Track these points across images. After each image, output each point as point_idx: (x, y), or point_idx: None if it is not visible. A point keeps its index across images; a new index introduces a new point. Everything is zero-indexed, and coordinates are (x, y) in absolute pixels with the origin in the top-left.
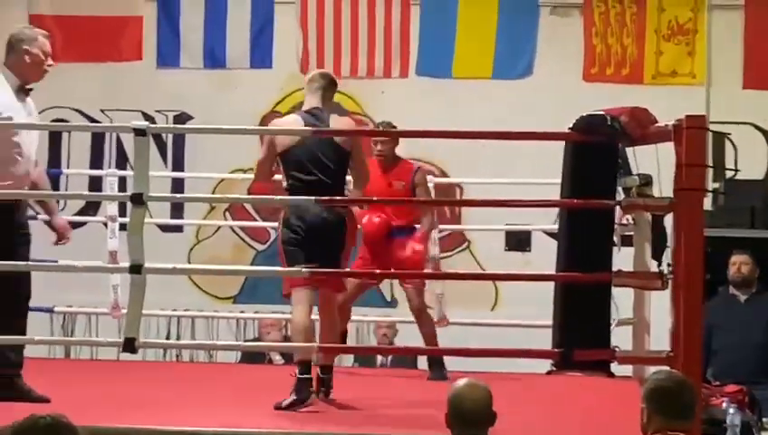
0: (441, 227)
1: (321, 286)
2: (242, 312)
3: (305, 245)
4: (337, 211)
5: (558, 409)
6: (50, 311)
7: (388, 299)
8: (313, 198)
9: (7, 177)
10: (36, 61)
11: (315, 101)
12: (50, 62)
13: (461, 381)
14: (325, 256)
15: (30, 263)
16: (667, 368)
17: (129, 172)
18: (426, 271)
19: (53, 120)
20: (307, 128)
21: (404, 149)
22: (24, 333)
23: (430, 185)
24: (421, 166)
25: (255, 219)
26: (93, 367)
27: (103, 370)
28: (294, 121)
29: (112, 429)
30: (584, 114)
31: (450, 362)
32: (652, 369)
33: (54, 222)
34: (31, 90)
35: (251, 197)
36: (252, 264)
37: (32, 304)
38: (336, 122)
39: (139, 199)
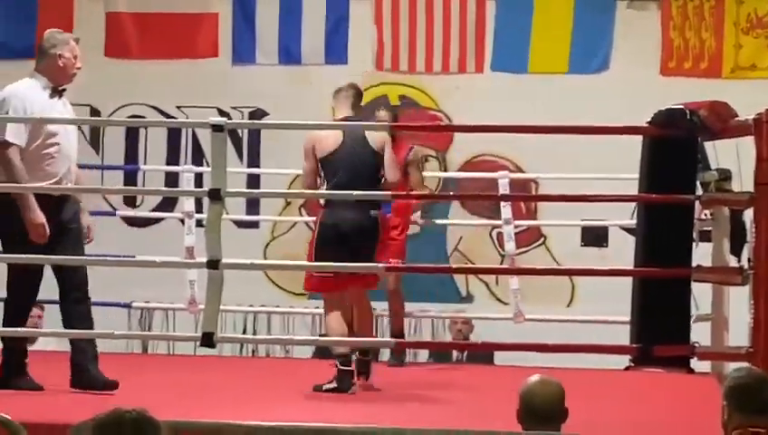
0: (517, 222)
1: (353, 285)
2: (317, 307)
3: (338, 247)
4: (372, 217)
5: (636, 405)
6: (128, 306)
7: (464, 294)
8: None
9: (49, 175)
10: (68, 64)
11: (346, 111)
12: (78, 64)
13: (533, 378)
14: (357, 259)
15: (110, 258)
16: (747, 365)
17: (205, 169)
18: (502, 267)
19: (130, 117)
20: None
21: (479, 145)
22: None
23: (505, 181)
24: (416, 146)
25: None
26: (170, 362)
27: (180, 364)
28: (333, 132)
29: (193, 423)
30: (663, 108)
31: (526, 358)
32: (732, 365)
33: (82, 221)
34: (64, 90)
35: (327, 192)
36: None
37: (110, 299)
38: (370, 132)
39: (216, 195)
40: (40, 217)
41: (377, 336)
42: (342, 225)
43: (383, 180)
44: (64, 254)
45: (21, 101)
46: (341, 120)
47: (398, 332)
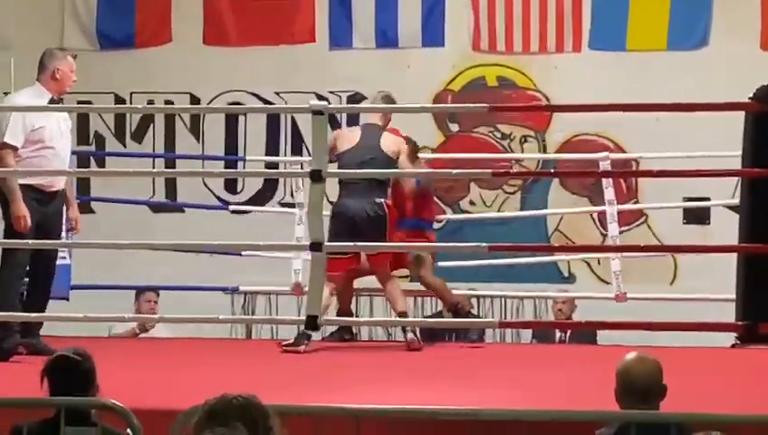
0: (619, 208)
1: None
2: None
3: (346, 236)
4: (378, 208)
5: (741, 383)
6: (234, 290)
7: (566, 274)
8: None
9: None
10: (64, 78)
11: (374, 118)
12: (74, 77)
13: (630, 355)
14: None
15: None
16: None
17: (304, 158)
18: (603, 245)
19: (229, 104)
20: None
21: (579, 124)
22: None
23: (606, 162)
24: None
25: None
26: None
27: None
28: (353, 131)
29: (300, 408)
30: (765, 83)
31: (630, 338)
32: None
33: (70, 213)
34: (62, 99)
35: (423, 170)
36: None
37: (214, 284)
38: (385, 139)
39: (318, 176)
40: (23, 209)
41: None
42: (348, 216)
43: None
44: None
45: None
46: (367, 124)
47: (450, 307)
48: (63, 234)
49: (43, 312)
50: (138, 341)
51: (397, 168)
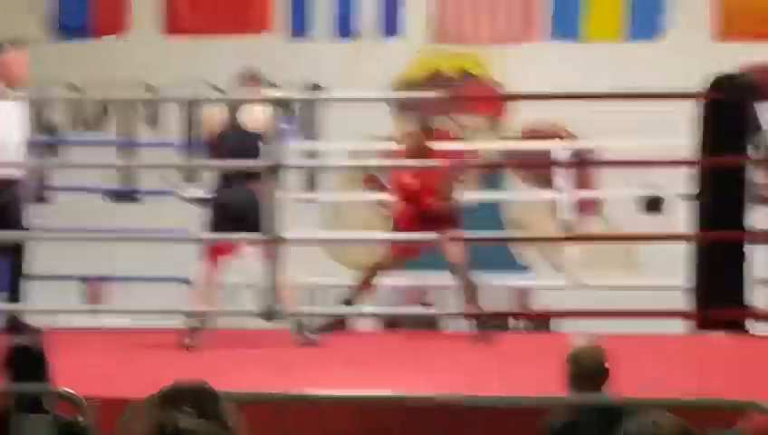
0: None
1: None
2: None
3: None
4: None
5: (692, 368)
6: (187, 281)
7: (522, 264)
8: None
9: None
10: (8, 71)
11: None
12: (19, 69)
13: (578, 341)
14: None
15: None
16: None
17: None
18: (559, 234)
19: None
20: None
21: (535, 114)
22: None
23: (562, 152)
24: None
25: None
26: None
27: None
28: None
29: (258, 395)
30: (719, 73)
31: (586, 326)
32: None
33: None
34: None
35: (380, 163)
36: None
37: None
38: (248, 111)
39: (276, 170)
40: None
41: None
42: (226, 202)
43: None
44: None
45: None
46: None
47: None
48: None
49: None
50: (93, 331)
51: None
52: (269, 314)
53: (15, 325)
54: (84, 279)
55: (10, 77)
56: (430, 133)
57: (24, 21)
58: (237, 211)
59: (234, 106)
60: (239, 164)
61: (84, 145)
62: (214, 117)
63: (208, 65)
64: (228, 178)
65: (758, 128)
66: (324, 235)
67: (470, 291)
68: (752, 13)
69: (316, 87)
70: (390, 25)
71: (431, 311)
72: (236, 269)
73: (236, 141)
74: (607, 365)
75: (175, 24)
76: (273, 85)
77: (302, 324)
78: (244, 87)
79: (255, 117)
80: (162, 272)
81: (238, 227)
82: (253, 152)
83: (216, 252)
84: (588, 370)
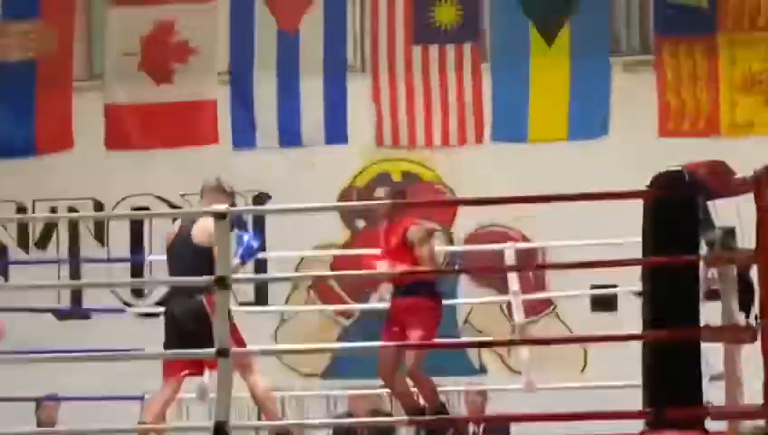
0: (525, 297)
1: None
2: (331, 389)
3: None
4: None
5: None
6: (140, 398)
7: (477, 366)
8: None
9: None
10: None
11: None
12: None
13: None
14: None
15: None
16: (756, 422)
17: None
18: (513, 338)
19: (134, 209)
20: None
21: (484, 216)
22: None
23: (512, 251)
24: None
25: (342, 296)
26: None
27: None
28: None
29: None
30: (662, 170)
31: (543, 428)
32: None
33: None
34: None
35: (335, 273)
36: (338, 340)
37: (124, 392)
38: (198, 223)
39: (223, 283)
40: None
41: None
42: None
43: None
44: None
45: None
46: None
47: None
48: None
49: None
50: None
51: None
52: (219, 431)
53: None
54: (37, 400)
55: None
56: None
57: None
58: (184, 324)
59: (190, 219)
60: (184, 280)
61: (30, 264)
62: (169, 230)
63: (155, 179)
64: (176, 292)
65: (708, 224)
66: (269, 347)
67: (426, 390)
68: (691, 111)
69: (264, 196)
70: (335, 132)
71: (389, 419)
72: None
73: (184, 253)
74: None
75: (119, 139)
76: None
77: None
78: (212, 198)
79: (202, 228)
80: (117, 390)
81: (187, 340)
82: (200, 264)
83: (175, 368)
84: None
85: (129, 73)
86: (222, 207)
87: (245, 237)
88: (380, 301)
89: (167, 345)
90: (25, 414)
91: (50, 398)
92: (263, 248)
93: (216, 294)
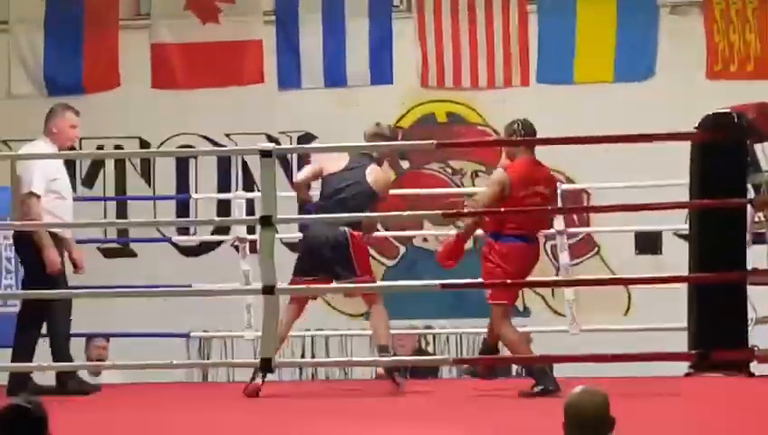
0: (570, 231)
1: None
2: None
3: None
4: (341, 236)
5: (694, 410)
6: (186, 336)
7: (520, 308)
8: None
9: (58, 219)
10: (61, 133)
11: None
12: (74, 132)
13: (577, 389)
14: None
15: (165, 289)
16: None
17: (256, 194)
18: (557, 278)
19: (180, 147)
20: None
21: None
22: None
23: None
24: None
25: (387, 237)
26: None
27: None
28: (341, 156)
29: None
30: (710, 113)
31: (586, 369)
32: None
33: (73, 255)
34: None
35: (379, 214)
36: (382, 279)
37: (168, 329)
38: (371, 171)
39: (268, 221)
40: (56, 253)
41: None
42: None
43: None
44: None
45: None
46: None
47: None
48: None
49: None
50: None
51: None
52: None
53: (19, 384)
54: (82, 335)
55: (61, 141)
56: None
57: (18, 77)
58: (324, 252)
59: (357, 159)
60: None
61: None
62: (332, 158)
63: (200, 118)
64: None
65: (755, 168)
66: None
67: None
68: (740, 53)
69: (309, 136)
70: (380, 73)
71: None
72: None
73: (353, 189)
74: (611, 414)
75: (166, 79)
76: (271, 138)
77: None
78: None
79: (383, 180)
80: (163, 328)
81: (323, 266)
82: (366, 203)
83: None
84: (589, 419)
85: (176, 12)
86: (268, 145)
87: None
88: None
89: (302, 270)
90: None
91: (95, 334)
92: None
93: (260, 233)
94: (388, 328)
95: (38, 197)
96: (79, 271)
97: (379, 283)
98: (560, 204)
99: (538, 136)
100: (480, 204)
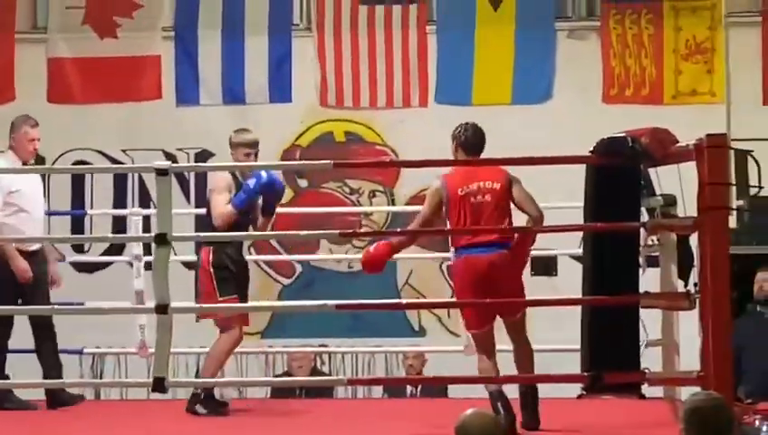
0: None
1: None
2: (270, 346)
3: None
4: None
5: (589, 432)
6: (79, 353)
7: (416, 328)
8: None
9: (18, 232)
10: (20, 145)
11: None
12: (33, 145)
13: (468, 411)
14: None
15: (57, 307)
16: (705, 389)
17: (152, 211)
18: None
19: (75, 163)
20: None
21: (427, 178)
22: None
23: None
24: None
25: (280, 253)
26: (123, 408)
27: (133, 410)
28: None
29: None
30: (605, 137)
31: (480, 390)
32: (683, 390)
33: (51, 269)
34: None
35: (276, 233)
36: (278, 298)
37: (61, 345)
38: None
39: (163, 240)
40: (24, 263)
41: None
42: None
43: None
44: (35, 302)
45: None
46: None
47: None
48: None
49: (58, 366)
50: None
51: None
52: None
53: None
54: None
55: (22, 153)
56: None
57: None
58: None
59: None
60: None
61: None
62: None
63: (97, 133)
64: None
65: (649, 191)
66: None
67: None
68: (635, 78)
69: (206, 153)
70: (279, 91)
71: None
72: None
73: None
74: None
75: (62, 93)
76: (169, 155)
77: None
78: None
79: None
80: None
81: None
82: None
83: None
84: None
85: (73, 27)
86: (164, 163)
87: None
88: None
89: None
90: None
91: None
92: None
93: (155, 251)
94: (221, 361)
95: None
96: (53, 286)
97: (275, 302)
98: None
99: (436, 156)
100: (420, 217)
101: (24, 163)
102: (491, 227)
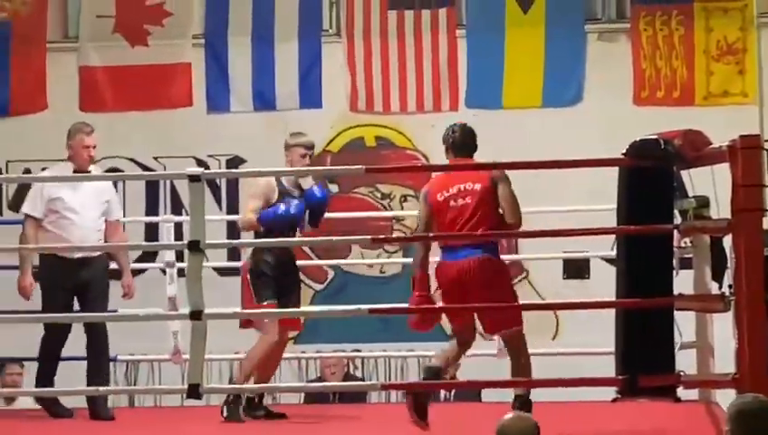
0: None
1: None
2: (303, 352)
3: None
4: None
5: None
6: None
7: (449, 332)
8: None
9: (62, 240)
10: (76, 153)
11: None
12: (88, 152)
13: (507, 415)
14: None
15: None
16: (740, 392)
17: (184, 217)
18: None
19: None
20: None
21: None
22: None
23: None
24: None
25: (312, 259)
26: (158, 414)
27: (168, 417)
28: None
29: None
30: (637, 139)
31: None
32: (719, 392)
33: (123, 280)
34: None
35: (308, 239)
36: (311, 304)
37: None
38: None
39: (196, 247)
40: (27, 280)
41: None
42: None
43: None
44: (87, 311)
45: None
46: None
47: None
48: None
49: (106, 378)
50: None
51: None
52: (195, 392)
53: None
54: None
55: (78, 160)
56: None
57: None
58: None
59: None
60: (153, 245)
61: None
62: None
63: (128, 141)
64: None
65: (682, 193)
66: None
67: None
68: (666, 79)
69: (238, 159)
70: (309, 96)
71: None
72: None
73: None
74: None
75: (93, 101)
76: (200, 162)
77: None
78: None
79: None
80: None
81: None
82: None
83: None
84: None
85: (104, 36)
86: (197, 170)
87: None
88: None
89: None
90: None
91: (10, 359)
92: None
93: (188, 258)
94: (254, 365)
95: (33, 218)
96: (125, 297)
97: (308, 308)
98: None
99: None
100: (420, 228)
101: (81, 171)
102: (466, 233)
